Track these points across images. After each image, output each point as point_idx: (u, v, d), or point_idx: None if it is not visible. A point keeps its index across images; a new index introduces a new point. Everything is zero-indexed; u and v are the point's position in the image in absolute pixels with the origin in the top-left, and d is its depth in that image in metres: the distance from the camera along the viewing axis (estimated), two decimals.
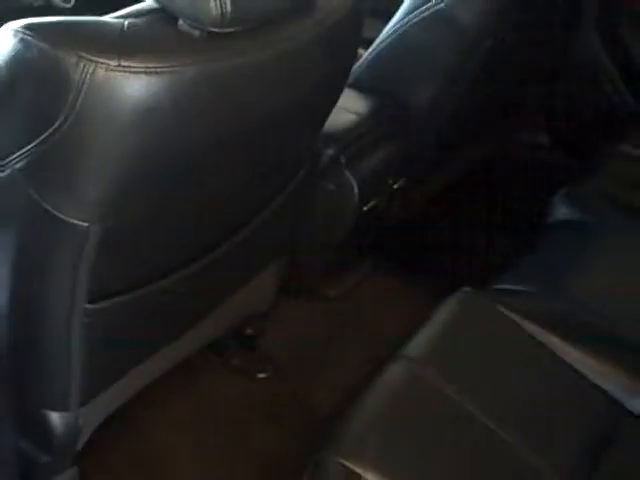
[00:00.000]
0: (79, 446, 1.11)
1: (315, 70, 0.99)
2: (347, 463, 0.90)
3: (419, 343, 1.07)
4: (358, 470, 0.89)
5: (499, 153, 1.75)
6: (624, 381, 1.10)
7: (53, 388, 1.02)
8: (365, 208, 1.38)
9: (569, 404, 1.05)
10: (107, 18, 0.78)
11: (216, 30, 0.79)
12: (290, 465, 1.17)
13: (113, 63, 0.74)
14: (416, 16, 1.38)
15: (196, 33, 0.79)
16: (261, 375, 1.48)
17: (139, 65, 0.75)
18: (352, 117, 1.40)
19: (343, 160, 1.35)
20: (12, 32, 0.75)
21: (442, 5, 1.35)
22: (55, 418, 1.05)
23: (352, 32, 1.02)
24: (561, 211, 1.41)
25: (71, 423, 1.06)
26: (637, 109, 1.74)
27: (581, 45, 1.76)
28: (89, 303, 0.93)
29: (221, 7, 0.77)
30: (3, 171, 0.81)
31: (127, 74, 0.74)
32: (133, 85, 0.75)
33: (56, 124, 0.75)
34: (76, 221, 0.82)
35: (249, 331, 1.47)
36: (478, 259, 1.47)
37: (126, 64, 0.74)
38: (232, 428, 1.36)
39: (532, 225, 1.40)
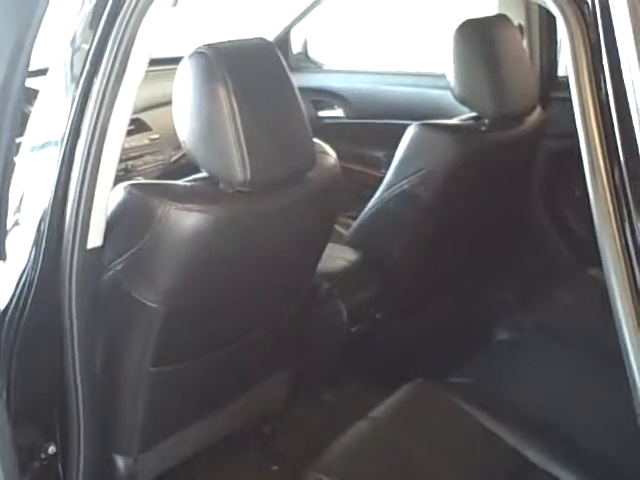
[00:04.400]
0: None
1: (309, 219, 1.47)
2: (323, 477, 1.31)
3: (381, 410, 1.51)
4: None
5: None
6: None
7: (120, 433, 1.46)
8: (353, 329, 1.85)
9: (482, 459, 1.45)
10: (180, 181, 1.32)
11: (241, 189, 1.31)
12: None
13: (180, 206, 1.26)
14: (390, 194, 1.92)
15: (229, 191, 1.31)
16: (274, 467, 1.88)
17: (194, 207, 1.27)
18: (344, 263, 1.92)
19: (336, 293, 1.85)
20: (123, 188, 1.29)
21: (407, 186, 1.88)
22: (119, 460, 1.48)
23: (333, 195, 1.52)
24: (504, 333, 1.87)
25: (130, 466, 1.48)
26: (573, 267, 2.23)
27: (528, 216, 2.29)
28: (152, 366, 1.39)
29: (245, 176, 1.28)
30: (107, 272, 1.32)
31: (187, 212, 1.26)
32: (190, 219, 1.27)
33: (144, 240, 1.27)
34: (150, 303, 1.31)
35: (266, 429, 1.89)
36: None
37: (188, 206, 1.26)
38: None
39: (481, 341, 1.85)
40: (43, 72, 1.30)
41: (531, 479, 1.41)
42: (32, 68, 1.11)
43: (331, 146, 1.52)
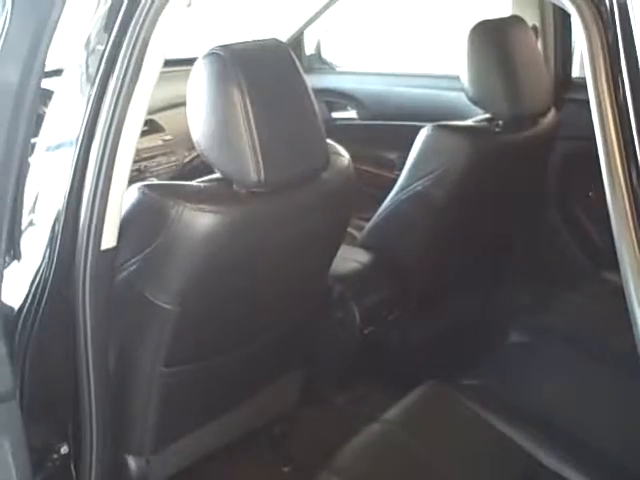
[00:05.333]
0: None
1: (322, 220, 1.47)
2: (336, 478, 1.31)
3: (393, 413, 1.50)
4: None
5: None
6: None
7: (133, 434, 1.46)
8: (365, 331, 1.85)
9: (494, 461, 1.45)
10: (194, 182, 1.33)
11: (255, 190, 1.30)
12: None
13: (194, 207, 1.25)
14: (403, 195, 1.91)
15: (243, 191, 1.30)
16: (285, 469, 1.87)
17: (208, 207, 1.26)
18: (357, 265, 1.91)
19: (348, 295, 1.84)
20: (137, 189, 1.29)
21: (420, 188, 1.88)
22: (131, 461, 1.48)
23: (346, 196, 1.52)
24: (517, 335, 1.86)
25: (142, 467, 1.48)
26: (587, 269, 2.22)
27: (542, 218, 2.28)
28: (165, 367, 1.39)
29: (258, 177, 1.27)
30: (121, 273, 1.32)
31: (201, 213, 1.26)
32: (204, 219, 1.26)
33: (158, 241, 1.27)
34: (163, 304, 1.31)
35: (277, 431, 1.89)
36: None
37: (201, 207, 1.26)
38: None
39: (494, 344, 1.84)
40: (58, 73, 1.31)
41: None
42: (47, 69, 1.12)
43: (344, 147, 1.52)
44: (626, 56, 0.94)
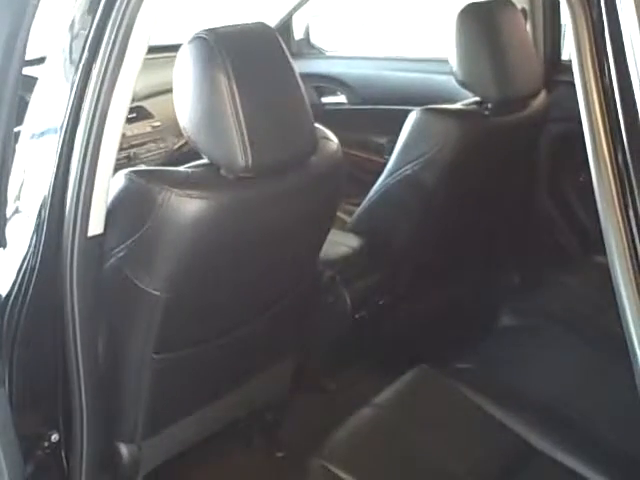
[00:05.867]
0: (139, 478, 1.53)
1: (311, 204, 1.46)
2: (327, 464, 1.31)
3: (384, 397, 1.51)
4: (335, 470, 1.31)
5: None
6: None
7: (123, 421, 1.46)
8: (356, 316, 1.85)
9: (485, 444, 1.45)
10: (181, 167, 1.32)
11: (242, 175, 1.30)
12: None
13: (181, 192, 1.25)
14: (393, 179, 1.91)
15: (230, 176, 1.30)
16: (278, 454, 1.88)
17: (195, 193, 1.26)
18: (347, 249, 1.91)
19: (339, 279, 1.84)
20: (124, 175, 1.28)
21: (410, 172, 1.88)
22: (122, 447, 1.48)
23: (335, 180, 1.51)
24: (508, 319, 1.86)
25: (135, 453, 1.48)
26: (578, 252, 2.22)
27: (533, 201, 2.28)
28: (155, 354, 1.39)
29: (246, 162, 1.26)
30: (109, 260, 1.32)
31: (188, 198, 1.25)
32: (191, 205, 1.26)
33: (145, 227, 1.26)
34: (152, 290, 1.30)
35: (269, 417, 1.89)
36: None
37: (188, 192, 1.25)
38: None
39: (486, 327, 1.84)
40: (42, 61, 1.29)
41: (534, 465, 1.41)
42: (32, 57, 1.11)
43: (334, 132, 1.51)
44: (611, 37, 0.93)
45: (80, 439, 1.36)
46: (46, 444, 1.34)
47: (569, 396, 1.56)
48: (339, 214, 1.94)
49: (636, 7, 0.90)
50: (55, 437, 1.35)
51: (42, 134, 1.26)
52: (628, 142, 0.95)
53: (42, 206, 1.23)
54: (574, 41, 0.98)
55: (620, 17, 0.92)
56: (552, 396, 1.56)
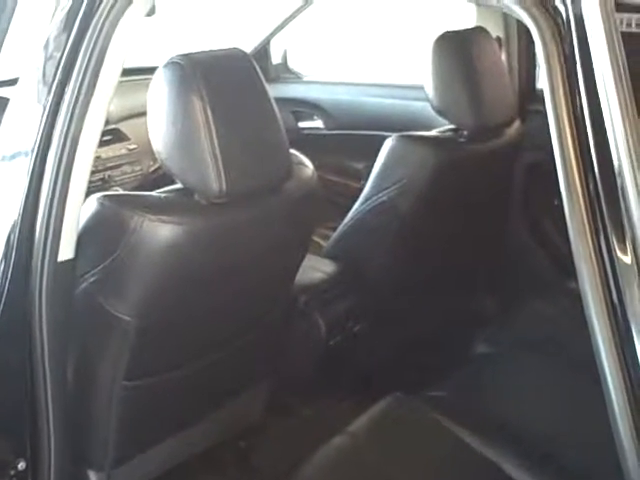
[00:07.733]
0: None
1: (285, 230, 1.46)
2: None
3: (357, 425, 1.49)
4: None
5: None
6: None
7: (93, 449, 1.43)
8: (331, 343, 1.84)
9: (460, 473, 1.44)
10: (154, 192, 1.31)
11: (216, 201, 1.29)
12: None
13: (154, 217, 1.24)
14: (368, 205, 1.91)
15: (204, 202, 1.29)
16: None
17: (168, 219, 1.25)
18: (322, 275, 1.90)
19: (313, 306, 1.83)
20: (96, 199, 1.27)
21: (385, 198, 1.88)
22: (92, 476, 1.45)
23: (310, 206, 1.50)
24: (483, 346, 1.86)
25: None
26: (552, 279, 2.23)
27: (508, 228, 2.29)
28: (126, 380, 1.37)
29: (220, 187, 1.26)
30: (80, 285, 1.30)
31: (161, 224, 1.24)
32: (164, 230, 1.24)
33: (117, 252, 1.25)
34: (123, 316, 1.29)
35: (242, 444, 1.86)
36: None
37: (161, 218, 1.24)
38: None
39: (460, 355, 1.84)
40: (15, 82, 1.28)
41: None
42: (4, 77, 1.10)
43: (311, 157, 1.51)
44: (583, 68, 0.94)
45: (48, 467, 1.33)
46: (12, 472, 1.31)
47: (544, 423, 1.56)
48: (315, 239, 1.93)
49: (606, 37, 0.91)
50: (22, 465, 1.31)
51: (13, 157, 1.24)
52: (599, 171, 0.96)
53: (11, 231, 1.21)
54: (546, 71, 0.99)
55: (591, 47, 0.93)
56: (527, 424, 1.55)
